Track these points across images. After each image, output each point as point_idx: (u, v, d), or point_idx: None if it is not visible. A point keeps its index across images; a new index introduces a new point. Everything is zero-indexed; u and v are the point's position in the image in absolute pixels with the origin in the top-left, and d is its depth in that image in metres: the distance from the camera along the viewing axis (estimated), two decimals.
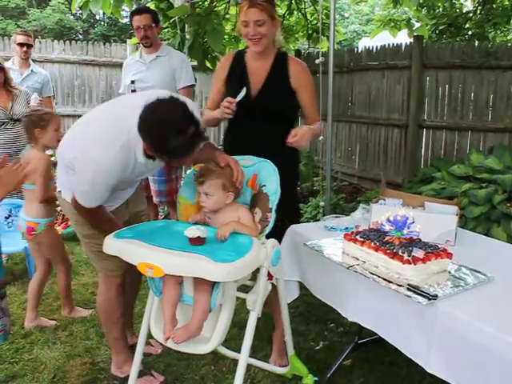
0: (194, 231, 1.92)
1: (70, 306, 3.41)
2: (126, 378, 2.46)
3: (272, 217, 2.15)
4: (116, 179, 2.16)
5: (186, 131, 1.89)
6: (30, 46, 4.88)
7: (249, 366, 2.52)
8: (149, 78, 3.98)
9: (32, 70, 4.96)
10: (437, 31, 8.55)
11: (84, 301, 3.57)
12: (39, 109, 3.41)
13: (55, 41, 8.04)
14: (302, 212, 2.86)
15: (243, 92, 2.45)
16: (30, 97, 4.20)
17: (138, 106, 1.97)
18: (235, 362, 2.61)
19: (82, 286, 3.70)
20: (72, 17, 20.61)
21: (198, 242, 1.91)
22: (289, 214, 2.53)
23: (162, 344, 2.74)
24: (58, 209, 5.31)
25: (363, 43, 14.73)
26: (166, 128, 1.88)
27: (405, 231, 1.95)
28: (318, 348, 2.98)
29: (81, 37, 20.51)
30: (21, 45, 4.80)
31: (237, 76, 2.65)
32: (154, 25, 4.02)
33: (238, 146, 2.53)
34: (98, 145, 2.09)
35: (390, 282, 1.89)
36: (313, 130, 2.53)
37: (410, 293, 1.79)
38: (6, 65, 4.19)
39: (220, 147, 2.70)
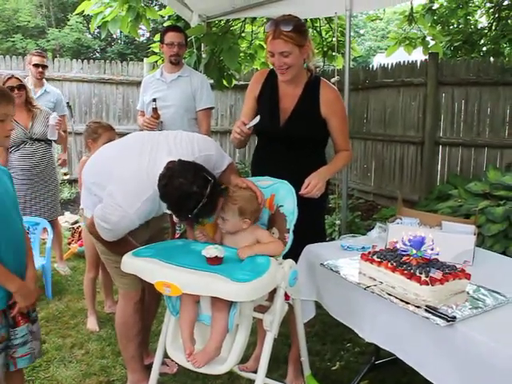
0: (211, 251, 1.93)
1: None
2: None
3: (290, 237, 2.15)
4: (139, 224, 2.22)
5: (203, 195, 1.98)
6: (44, 67, 5.03)
7: None
8: (169, 97, 4.01)
9: (45, 90, 5.06)
10: (451, 48, 8.54)
11: (100, 318, 3.57)
12: (98, 121, 3.52)
13: (73, 60, 8.17)
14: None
15: (256, 119, 2.40)
16: (49, 116, 4.26)
17: (162, 160, 2.09)
18: (250, 381, 2.61)
19: (98, 303, 3.71)
20: (90, 35, 20.96)
21: (215, 261, 1.92)
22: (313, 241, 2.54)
23: (177, 363, 2.77)
24: (76, 226, 5.40)
25: (378, 59, 14.79)
26: (185, 201, 1.99)
27: (427, 251, 1.94)
28: (334, 368, 2.95)
29: (98, 55, 20.84)
30: (36, 66, 4.95)
31: (268, 97, 2.60)
32: (184, 44, 4.09)
33: (263, 171, 2.49)
34: (126, 194, 2.16)
35: (408, 303, 1.87)
36: (329, 172, 2.49)
37: (428, 314, 1.77)
38: None
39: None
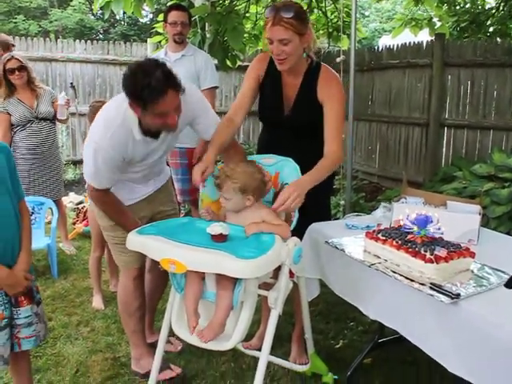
0: (216, 228, 1.93)
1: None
2: (146, 374, 2.50)
3: (295, 216, 2.15)
4: (117, 159, 2.25)
5: (154, 73, 2.02)
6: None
7: (269, 364, 2.52)
8: None
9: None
10: (458, 28, 8.45)
11: (105, 297, 3.60)
12: (102, 100, 3.48)
13: (77, 41, 8.13)
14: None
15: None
16: (54, 96, 4.26)
17: None
18: (255, 359, 2.63)
19: (103, 282, 3.73)
20: (92, 17, 20.82)
21: (220, 238, 1.92)
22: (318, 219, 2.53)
23: (182, 341, 2.79)
24: (80, 206, 5.43)
25: (383, 41, 14.64)
26: (136, 74, 2.05)
27: (430, 229, 1.94)
28: (337, 346, 2.98)
29: (101, 36, 20.71)
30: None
31: (271, 84, 2.51)
32: (188, 23, 4.05)
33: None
34: (98, 127, 2.27)
35: (412, 280, 1.87)
36: (310, 182, 2.15)
37: (432, 292, 1.78)
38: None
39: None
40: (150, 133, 2.27)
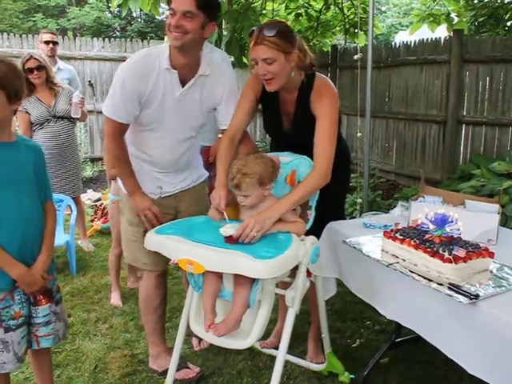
0: (228, 230, 1.94)
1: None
2: (164, 372, 2.53)
3: (312, 214, 2.15)
4: (134, 88, 2.27)
5: None
6: (55, 43, 5.10)
7: (285, 362, 2.52)
8: None
9: (59, 67, 5.12)
10: (476, 23, 8.34)
11: (123, 294, 3.64)
12: None
13: (94, 38, 8.20)
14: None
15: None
16: (72, 93, 4.30)
17: None
18: (271, 357, 2.65)
19: (121, 279, 3.77)
20: (110, 14, 20.95)
21: (231, 240, 1.93)
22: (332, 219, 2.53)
23: (200, 339, 2.81)
24: (98, 203, 5.48)
25: (400, 37, 14.51)
26: None
27: (447, 229, 1.93)
28: (354, 346, 2.98)
29: (118, 34, 20.83)
30: (47, 43, 5.05)
31: (269, 101, 2.46)
32: None
33: None
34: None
35: (431, 280, 1.87)
36: (277, 210, 2.05)
37: (451, 292, 1.77)
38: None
39: None
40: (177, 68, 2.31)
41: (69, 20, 19.96)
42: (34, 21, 19.18)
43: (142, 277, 2.66)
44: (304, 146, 2.31)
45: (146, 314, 2.70)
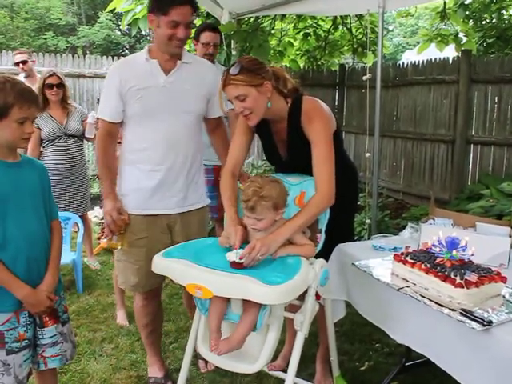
0: (232, 254, 1.92)
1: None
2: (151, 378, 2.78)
3: (321, 238, 2.13)
4: (118, 78, 2.44)
5: None
6: (25, 62, 5.15)
7: None
8: None
9: None
10: (484, 44, 8.37)
11: (129, 313, 3.61)
12: None
13: (104, 56, 8.28)
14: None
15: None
16: (84, 114, 4.36)
17: None
18: (279, 380, 2.61)
19: (127, 298, 3.75)
20: (119, 32, 21.21)
21: (237, 266, 1.91)
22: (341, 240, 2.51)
23: (207, 361, 2.78)
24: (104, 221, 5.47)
25: (407, 56, 14.59)
26: None
27: (457, 254, 1.91)
28: (363, 368, 2.93)
29: (127, 52, 21.06)
30: (17, 64, 5.17)
31: (263, 133, 2.48)
32: (219, 44, 4.08)
33: None
34: None
35: (442, 305, 1.84)
36: (281, 235, 2.04)
37: (463, 318, 1.74)
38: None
39: None
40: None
41: (79, 38, 20.23)
42: (45, 39, 19.45)
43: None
44: (304, 171, 2.30)
45: (138, 327, 2.86)
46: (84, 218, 4.43)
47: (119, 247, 2.59)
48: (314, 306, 2.02)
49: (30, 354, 2.06)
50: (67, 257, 4.01)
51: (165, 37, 2.37)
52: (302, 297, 2.06)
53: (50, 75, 4.11)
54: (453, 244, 1.94)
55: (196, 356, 2.74)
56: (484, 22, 8.45)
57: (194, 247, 2.13)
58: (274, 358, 2.77)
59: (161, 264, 2.03)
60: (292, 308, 2.15)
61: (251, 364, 1.96)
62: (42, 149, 4.20)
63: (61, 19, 20.30)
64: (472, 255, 1.94)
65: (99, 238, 5.23)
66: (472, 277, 1.82)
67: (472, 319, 1.72)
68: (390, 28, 23.98)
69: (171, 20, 2.32)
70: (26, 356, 2.03)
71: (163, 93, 2.45)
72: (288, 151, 2.43)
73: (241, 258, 1.92)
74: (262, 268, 1.90)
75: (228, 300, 2.04)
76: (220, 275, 1.85)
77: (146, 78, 2.44)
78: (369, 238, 3.79)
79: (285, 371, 2.04)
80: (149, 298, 2.69)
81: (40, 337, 2.09)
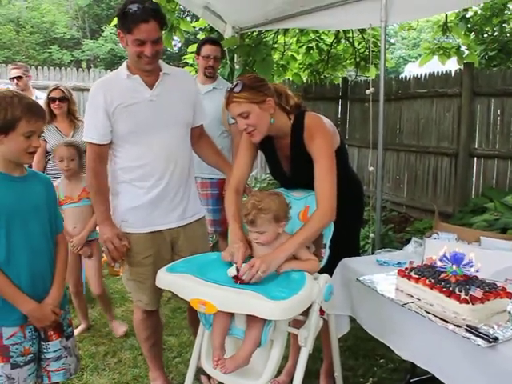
0: (233, 270, 1.93)
1: None
2: None
3: (326, 253, 2.13)
4: (101, 97, 2.38)
5: (143, 2, 2.26)
6: (20, 78, 5.12)
7: None
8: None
9: (36, 97, 5.16)
10: (486, 57, 8.40)
11: (132, 327, 3.59)
12: None
13: (108, 70, 8.33)
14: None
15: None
16: None
17: None
18: None
19: (130, 312, 3.73)
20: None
21: (240, 280, 1.91)
22: (346, 255, 2.50)
23: (210, 377, 2.77)
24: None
25: (409, 68, 14.64)
26: (127, 2, 2.29)
27: (460, 269, 1.90)
28: None
29: None
30: (12, 79, 5.13)
31: (267, 150, 2.50)
32: (220, 57, 4.11)
33: None
34: None
35: (447, 321, 1.83)
36: (283, 252, 2.04)
37: (468, 334, 1.73)
38: None
39: None
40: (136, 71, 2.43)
41: (83, 52, 20.40)
42: (50, 52, 19.62)
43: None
44: (307, 187, 2.30)
45: (139, 341, 2.84)
46: None
47: (121, 274, 2.59)
48: (318, 321, 2.02)
49: (35, 368, 2.06)
50: None
51: (133, 54, 2.34)
52: (305, 312, 2.05)
53: (54, 89, 4.13)
54: (457, 259, 1.94)
55: (199, 371, 2.72)
56: (486, 35, 8.49)
57: (198, 262, 2.13)
58: (278, 373, 2.76)
59: (165, 279, 2.03)
60: (296, 323, 2.14)
61: (255, 380, 1.95)
62: (46, 161, 4.21)
63: (65, 33, 20.49)
64: (477, 271, 1.92)
65: (103, 251, 5.22)
66: (477, 292, 1.81)
67: (477, 335, 1.71)
68: (392, 41, 24.11)
69: (135, 39, 2.28)
70: (30, 370, 2.03)
71: (151, 107, 2.42)
72: (291, 167, 2.43)
73: (240, 276, 1.92)
74: (266, 283, 1.90)
75: (232, 315, 2.03)
76: (224, 290, 1.85)
77: (131, 94, 2.41)
78: (372, 253, 3.77)
79: None
80: (149, 311, 2.68)
81: (44, 351, 2.09)
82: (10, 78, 5.17)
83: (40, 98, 5.18)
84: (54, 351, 2.11)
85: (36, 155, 4.04)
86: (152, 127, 2.43)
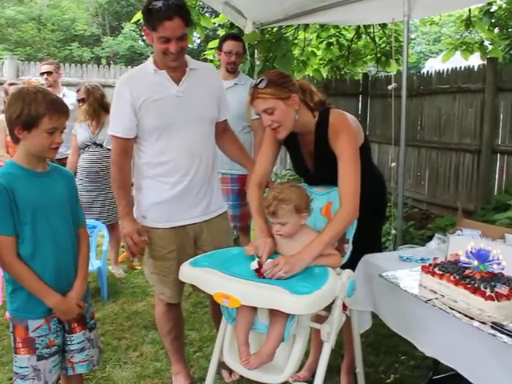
0: (256, 264, 1.94)
1: None
2: None
3: (349, 248, 2.12)
4: (128, 95, 2.39)
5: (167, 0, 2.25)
6: (50, 73, 5.23)
7: None
8: None
9: (64, 94, 5.23)
10: (510, 52, 8.26)
11: (153, 321, 3.62)
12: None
13: (128, 67, 8.39)
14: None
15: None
16: None
17: None
18: None
19: (151, 306, 3.77)
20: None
21: (260, 274, 1.92)
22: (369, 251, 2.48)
23: (231, 371, 2.78)
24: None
25: (430, 64, 14.46)
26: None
27: (492, 265, 1.88)
28: (388, 381, 2.89)
29: None
30: (42, 74, 5.26)
31: (291, 146, 2.50)
32: (242, 53, 4.11)
33: None
34: None
35: (472, 318, 1.81)
36: (308, 254, 2.02)
37: (494, 331, 1.71)
38: None
39: None
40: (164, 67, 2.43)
41: (103, 49, 20.57)
42: (71, 49, 19.83)
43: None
44: (331, 184, 2.29)
45: (162, 335, 2.85)
46: (114, 228, 4.45)
47: (139, 267, 2.61)
48: (340, 316, 2.01)
49: (59, 360, 2.10)
50: (93, 265, 4.05)
51: (159, 51, 2.35)
52: (328, 307, 2.04)
53: (77, 90, 4.37)
54: (482, 256, 1.91)
55: (220, 365, 2.73)
56: (510, 30, 8.34)
57: (221, 256, 2.14)
58: (299, 368, 2.76)
59: (188, 273, 2.04)
60: (318, 318, 2.13)
61: (277, 375, 1.95)
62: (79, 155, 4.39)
63: (86, 30, 20.68)
64: (502, 269, 1.90)
65: (123, 246, 5.27)
66: (503, 289, 1.79)
67: (504, 333, 1.69)
68: (413, 36, 23.87)
69: (160, 36, 2.29)
70: (55, 362, 2.07)
71: (178, 103, 2.43)
72: (315, 164, 2.43)
73: (263, 271, 1.93)
74: (289, 277, 1.89)
75: (255, 310, 2.04)
76: (247, 284, 1.85)
77: (158, 89, 2.42)
78: (394, 249, 3.75)
79: (310, 382, 2.02)
80: (171, 304, 2.69)
81: (68, 343, 2.13)
82: (41, 73, 5.26)
83: (67, 95, 5.27)
84: (78, 343, 2.14)
85: (72, 148, 4.28)
86: (178, 123, 2.44)
